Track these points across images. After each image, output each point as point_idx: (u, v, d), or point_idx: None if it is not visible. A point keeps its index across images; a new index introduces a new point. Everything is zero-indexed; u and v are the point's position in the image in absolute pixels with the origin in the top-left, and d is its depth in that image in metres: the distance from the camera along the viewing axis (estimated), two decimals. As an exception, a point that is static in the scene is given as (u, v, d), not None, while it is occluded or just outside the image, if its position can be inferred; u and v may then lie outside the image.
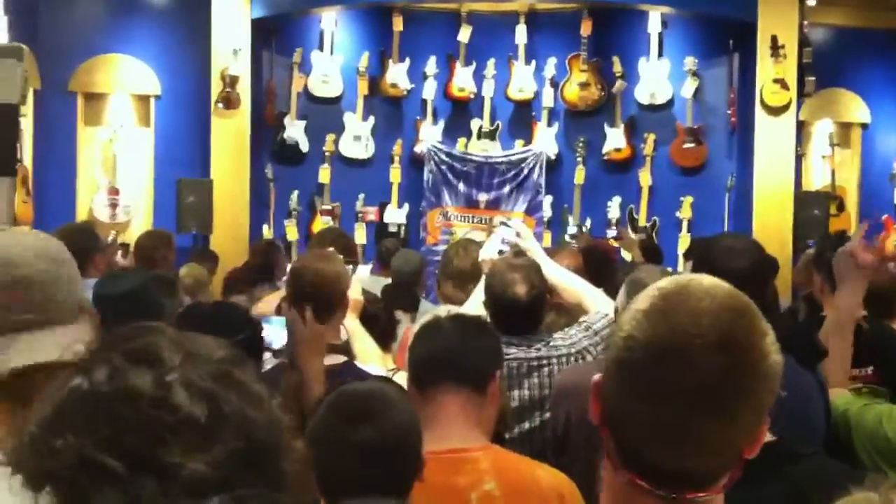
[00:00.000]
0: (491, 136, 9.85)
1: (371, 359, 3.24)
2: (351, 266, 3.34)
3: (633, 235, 8.24)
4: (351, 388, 1.97)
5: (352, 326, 3.27)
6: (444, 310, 3.36)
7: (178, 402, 0.94)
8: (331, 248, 3.42)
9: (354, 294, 3.28)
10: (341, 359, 2.94)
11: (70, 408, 0.95)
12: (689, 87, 9.64)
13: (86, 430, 0.92)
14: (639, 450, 1.11)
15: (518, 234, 3.59)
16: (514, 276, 3.15)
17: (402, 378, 2.96)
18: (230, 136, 9.09)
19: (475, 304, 3.34)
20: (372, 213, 9.73)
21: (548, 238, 9.51)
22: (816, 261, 3.66)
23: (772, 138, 9.02)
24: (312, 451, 1.76)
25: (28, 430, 0.95)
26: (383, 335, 3.80)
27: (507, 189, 9.48)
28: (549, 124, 9.87)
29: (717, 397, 1.07)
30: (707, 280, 1.16)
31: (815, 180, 9.93)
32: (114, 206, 9.15)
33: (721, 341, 1.08)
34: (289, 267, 3.59)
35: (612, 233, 9.40)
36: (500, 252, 3.50)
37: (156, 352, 0.98)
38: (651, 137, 9.72)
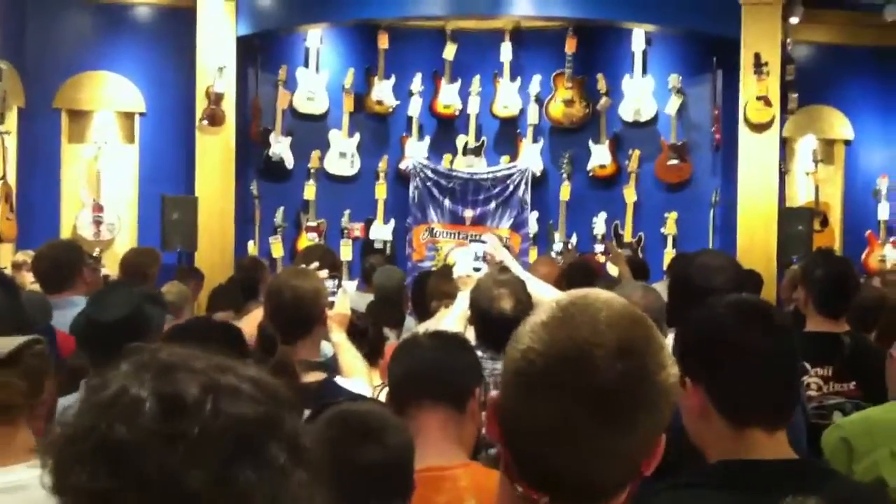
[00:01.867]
0: (476, 152, 9.87)
1: (357, 372, 3.22)
2: (336, 280, 3.33)
3: (620, 250, 8.26)
4: (349, 408, 1.96)
5: (338, 340, 3.26)
6: (423, 327, 3.35)
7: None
8: (316, 263, 3.41)
9: (342, 308, 3.27)
10: (321, 376, 2.93)
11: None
12: (673, 104, 9.69)
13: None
14: (539, 462, 1.12)
15: (488, 251, 3.58)
16: (500, 292, 3.16)
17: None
18: (215, 152, 9.08)
19: (452, 320, 3.33)
20: (358, 230, 9.73)
21: (534, 254, 9.52)
22: (804, 276, 3.66)
23: (755, 155, 9.06)
24: None
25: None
26: (371, 351, 3.79)
27: (492, 205, 9.50)
28: (535, 141, 9.90)
29: (617, 404, 1.09)
30: (605, 294, 1.18)
31: (799, 196, 9.98)
32: (98, 223, 9.12)
33: (620, 348, 1.10)
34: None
35: (599, 248, 9.42)
36: (476, 269, 3.50)
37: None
38: (636, 154, 9.76)
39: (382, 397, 3.06)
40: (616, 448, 1.10)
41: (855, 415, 2.74)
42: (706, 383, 1.76)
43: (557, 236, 9.67)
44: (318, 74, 9.74)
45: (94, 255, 7.80)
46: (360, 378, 3.14)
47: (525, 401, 1.12)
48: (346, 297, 3.32)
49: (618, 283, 4.78)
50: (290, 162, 9.64)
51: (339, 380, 3.03)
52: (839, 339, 3.43)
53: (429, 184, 9.49)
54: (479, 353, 2.65)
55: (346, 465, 1.78)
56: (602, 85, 9.79)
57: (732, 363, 1.75)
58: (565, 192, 9.78)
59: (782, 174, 9.41)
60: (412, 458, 1.91)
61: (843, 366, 3.38)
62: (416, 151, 9.71)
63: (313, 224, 9.58)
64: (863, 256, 9.70)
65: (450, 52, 9.80)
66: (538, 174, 9.78)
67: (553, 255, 9.30)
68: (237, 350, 2.49)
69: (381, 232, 9.72)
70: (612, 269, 9.28)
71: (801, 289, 3.63)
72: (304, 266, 3.45)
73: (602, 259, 9.14)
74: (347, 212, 9.70)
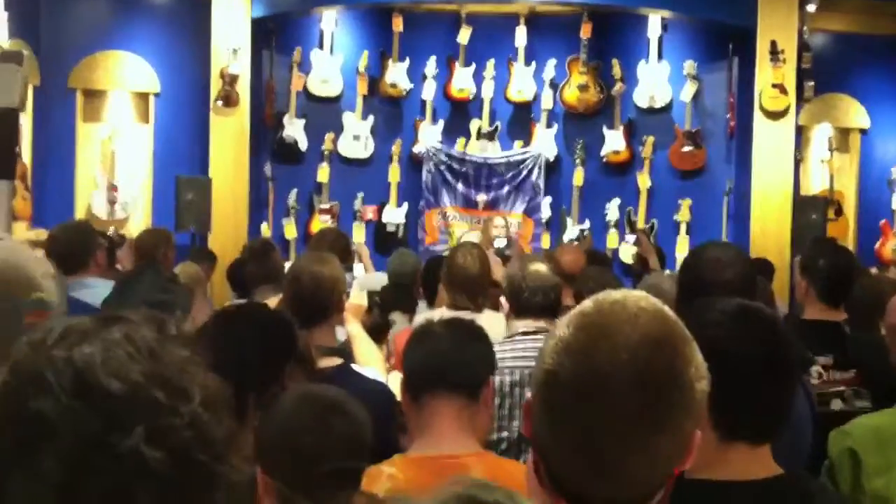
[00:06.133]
0: (490, 137, 9.86)
1: (372, 362, 3.26)
2: (351, 272, 3.37)
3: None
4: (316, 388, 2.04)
5: (353, 331, 3.28)
6: (437, 313, 3.37)
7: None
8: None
9: (358, 300, 3.30)
10: (337, 361, 2.95)
11: None
12: (688, 90, 9.65)
13: None
14: (563, 477, 1.14)
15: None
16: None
17: (396, 377, 2.97)
18: (229, 134, 9.09)
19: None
20: (370, 213, 9.74)
21: (546, 239, 9.53)
22: (806, 266, 3.61)
23: (770, 143, 9.03)
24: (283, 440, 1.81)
25: None
26: (376, 333, 3.82)
27: (505, 190, 9.50)
28: (549, 126, 9.88)
29: (635, 432, 1.09)
30: (633, 303, 1.15)
31: (814, 185, 9.93)
32: (112, 203, 9.15)
33: (638, 379, 1.09)
34: (286, 266, 3.60)
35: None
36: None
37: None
38: (650, 140, 9.73)
39: (391, 379, 3.10)
40: (634, 472, 1.11)
41: (863, 421, 2.60)
42: None
43: (570, 222, 9.66)
44: (333, 57, 9.73)
45: (120, 233, 7.83)
46: (375, 367, 3.17)
47: (548, 422, 1.14)
48: (363, 289, 3.34)
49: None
50: (303, 144, 9.65)
51: (354, 366, 3.05)
52: (840, 328, 3.43)
53: (442, 168, 9.50)
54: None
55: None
56: (617, 71, 9.75)
57: (725, 371, 1.69)
58: (579, 177, 9.76)
59: (797, 162, 9.37)
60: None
61: (843, 354, 3.38)
62: (429, 135, 9.71)
63: (326, 206, 9.58)
64: (876, 246, 9.67)
65: (464, 35, 9.77)
66: (552, 159, 9.77)
67: (565, 241, 9.31)
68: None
69: (394, 215, 9.73)
70: (625, 257, 9.30)
71: (801, 278, 3.59)
72: (319, 252, 3.47)
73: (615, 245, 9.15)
74: (360, 195, 9.70)
